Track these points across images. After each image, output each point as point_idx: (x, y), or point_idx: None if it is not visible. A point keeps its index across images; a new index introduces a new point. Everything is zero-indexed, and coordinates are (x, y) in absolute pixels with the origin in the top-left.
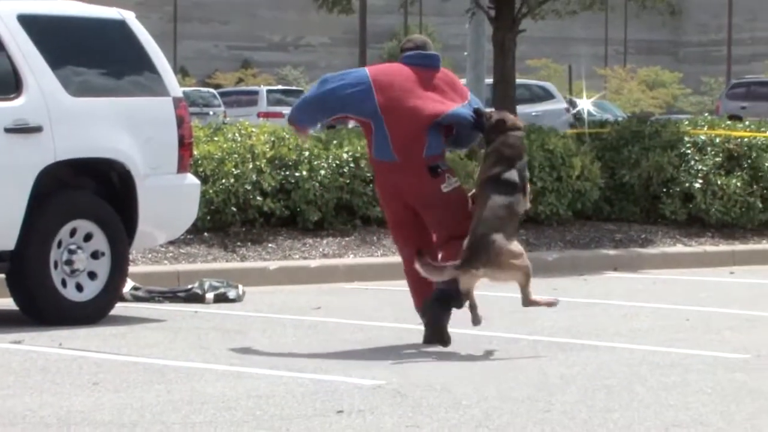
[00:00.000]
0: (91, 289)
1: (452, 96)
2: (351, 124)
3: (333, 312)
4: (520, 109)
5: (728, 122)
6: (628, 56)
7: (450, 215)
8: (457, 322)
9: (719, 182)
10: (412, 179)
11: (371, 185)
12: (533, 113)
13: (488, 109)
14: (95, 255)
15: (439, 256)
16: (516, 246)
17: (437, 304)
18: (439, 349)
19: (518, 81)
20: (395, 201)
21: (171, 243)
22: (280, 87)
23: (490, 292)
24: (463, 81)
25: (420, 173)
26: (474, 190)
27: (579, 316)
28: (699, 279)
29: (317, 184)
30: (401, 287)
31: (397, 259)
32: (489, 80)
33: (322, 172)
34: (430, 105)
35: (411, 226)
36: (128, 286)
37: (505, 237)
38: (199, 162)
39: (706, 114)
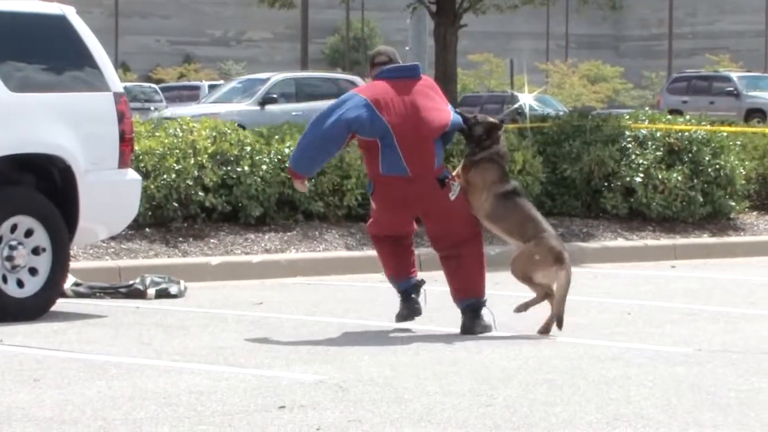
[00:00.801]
0: (32, 285)
1: (439, 101)
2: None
3: (275, 307)
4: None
5: (669, 116)
6: (570, 51)
7: (456, 221)
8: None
9: (660, 176)
10: (425, 191)
11: (313, 180)
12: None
13: (468, 113)
14: (36, 251)
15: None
16: None
17: (470, 315)
18: (382, 342)
19: (324, 75)
20: (400, 210)
21: (112, 239)
22: (222, 82)
23: (433, 286)
24: None
25: (433, 185)
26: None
27: None
28: (640, 273)
29: (259, 179)
30: (344, 282)
31: (339, 253)
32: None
33: (264, 167)
34: (434, 116)
35: (405, 222)
36: (69, 282)
37: None
38: (141, 157)
39: (647, 108)
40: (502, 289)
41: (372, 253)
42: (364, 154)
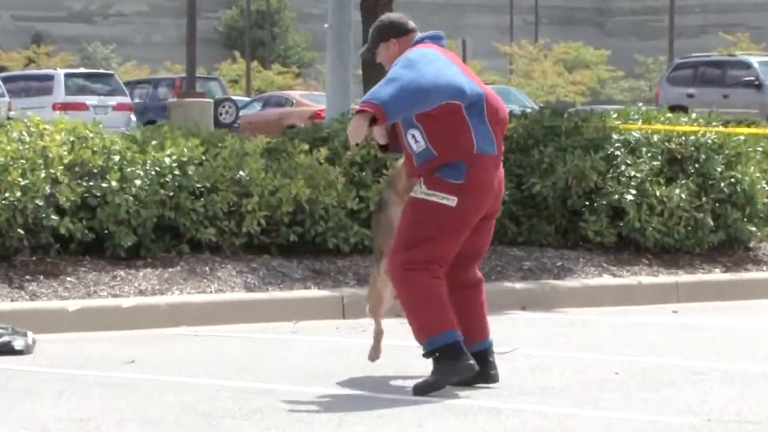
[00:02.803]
0: None
1: None
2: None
3: (151, 367)
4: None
5: (670, 114)
6: (541, 28)
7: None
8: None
9: (658, 193)
10: (501, 182)
11: (201, 198)
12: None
13: None
14: None
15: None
16: None
17: (490, 359)
18: (296, 416)
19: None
20: (484, 208)
21: None
22: (83, 70)
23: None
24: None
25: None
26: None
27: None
28: (632, 320)
29: (131, 199)
30: (242, 333)
31: (236, 295)
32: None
33: (138, 182)
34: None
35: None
36: None
37: None
38: None
39: (641, 104)
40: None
41: (281, 294)
42: (438, 129)
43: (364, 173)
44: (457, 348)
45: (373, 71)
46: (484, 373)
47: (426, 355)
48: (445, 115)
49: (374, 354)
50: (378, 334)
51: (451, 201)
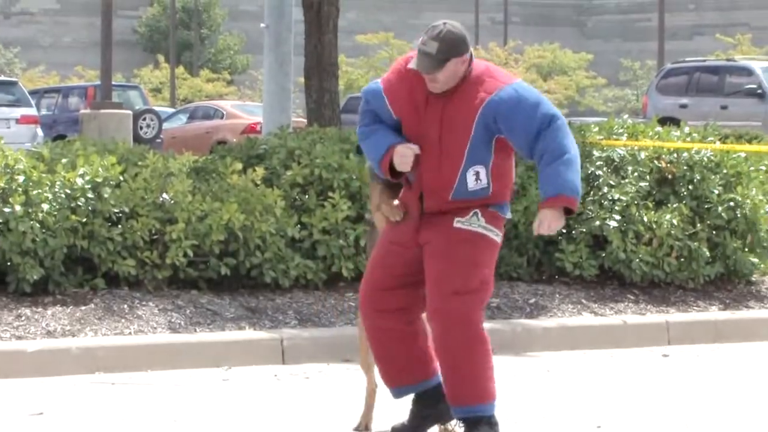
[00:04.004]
0: None
1: None
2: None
3: (62, 420)
4: None
5: (660, 128)
6: (511, 28)
7: None
8: None
9: (646, 219)
10: None
11: (119, 225)
12: None
13: None
14: None
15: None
16: None
17: None
18: None
19: None
20: None
21: None
22: None
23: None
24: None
25: None
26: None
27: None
28: (616, 365)
29: (37, 225)
30: (166, 382)
31: (159, 338)
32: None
33: (45, 206)
34: None
35: None
36: None
37: None
38: None
39: (627, 116)
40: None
41: (211, 336)
42: (499, 165)
43: (306, 196)
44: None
45: (316, 79)
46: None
47: (470, 422)
48: (503, 150)
49: (365, 420)
50: (371, 393)
51: (500, 238)
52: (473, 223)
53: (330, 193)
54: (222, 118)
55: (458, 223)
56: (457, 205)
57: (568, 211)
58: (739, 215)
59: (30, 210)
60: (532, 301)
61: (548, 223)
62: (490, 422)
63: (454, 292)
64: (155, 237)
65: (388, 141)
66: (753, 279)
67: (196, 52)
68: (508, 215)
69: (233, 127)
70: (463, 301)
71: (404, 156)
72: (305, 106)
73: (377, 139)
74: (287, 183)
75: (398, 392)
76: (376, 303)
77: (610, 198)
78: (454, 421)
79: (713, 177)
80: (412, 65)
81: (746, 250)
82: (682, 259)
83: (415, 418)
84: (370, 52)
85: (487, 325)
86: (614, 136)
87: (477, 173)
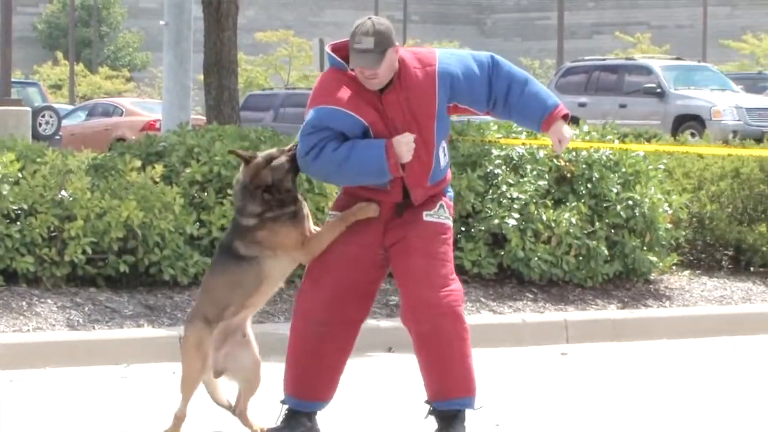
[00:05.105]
0: None
1: None
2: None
3: None
4: None
5: None
6: (410, 27)
7: None
8: None
9: (545, 217)
10: None
11: (17, 222)
12: None
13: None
14: None
15: None
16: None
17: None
18: None
19: None
20: None
21: None
22: None
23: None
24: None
25: None
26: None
27: None
28: (515, 363)
29: None
30: (64, 379)
31: (58, 335)
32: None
33: None
34: None
35: None
36: None
37: None
38: None
39: None
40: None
41: (109, 333)
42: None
43: (206, 194)
44: None
45: (215, 76)
46: None
47: (448, 415)
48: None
49: None
50: (179, 421)
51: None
52: (441, 215)
53: (229, 191)
54: (121, 115)
55: (428, 216)
56: (432, 192)
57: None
58: (637, 214)
59: None
60: None
61: (564, 134)
62: (464, 416)
63: (442, 286)
64: (54, 234)
65: (377, 143)
66: (651, 278)
67: (96, 49)
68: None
69: (132, 125)
70: (451, 294)
71: (407, 143)
72: (204, 103)
73: (363, 149)
74: (186, 180)
75: (303, 405)
76: (324, 313)
77: (509, 196)
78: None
79: (612, 176)
80: (353, 65)
81: (645, 248)
82: (581, 258)
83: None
84: (269, 50)
85: (385, 323)
86: (513, 135)
87: (444, 148)
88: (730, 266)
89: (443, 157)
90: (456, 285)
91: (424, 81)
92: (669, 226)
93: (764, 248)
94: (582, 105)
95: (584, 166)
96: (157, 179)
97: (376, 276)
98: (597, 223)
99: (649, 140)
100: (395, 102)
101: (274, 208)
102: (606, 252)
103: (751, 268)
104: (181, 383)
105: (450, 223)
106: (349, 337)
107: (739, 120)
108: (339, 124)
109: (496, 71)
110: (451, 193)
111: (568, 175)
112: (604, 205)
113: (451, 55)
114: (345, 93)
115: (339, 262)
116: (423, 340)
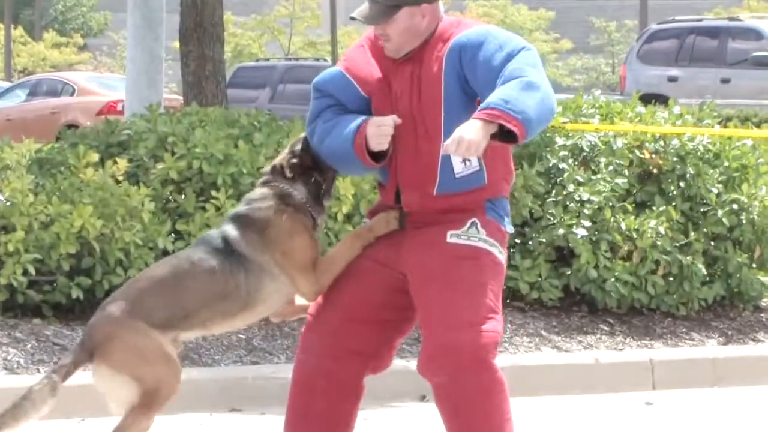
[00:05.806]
0: None
1: None
2: None
3: None
4: None
5: (642, 108)
6: None
7: None
8: None
9: (624, 226)
10: None
11: None
12: None
13: None
14: None
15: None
16: None
17: None
18: None
19: None
20: None
21: None
22: None
23: None
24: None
25: None
26: None
27: None
28: (584, 416)
29: None
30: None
31: (10, 381)
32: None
33: None
34: None
35: None
36: None
37: None
38: None
39: (599, 92)
40: None
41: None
42: (493, 146)
43: (183, 196)
44: None
45: (195, 44)
46: None
47: None
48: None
49: None
50: None
51: (504, 258)
52: (472, 236)
53: (213, 192)
54: (72, 94)
55: (453, 237)
56: (447, 205)
57: (509, 136)
58: (744, 221)
59: None
60: None
61: (464, 135)
62: None
63: (464, 324)
64: None
65: (359, 120)
66: (762, 304)
67: (39, 8)
68: (510, 229)
69: (87, 107)
70: (476, 335)
71: (380, 126)
72: (182, 78)
73: (343, 126)
74: (158, 179)
75: None
76: (318, 340)
77: (578, 199)
78: None
79: (711, 171)
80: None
81: (754, 266)
82: (672, 279)
83: None
84: (265, 8)
85: (414, 364)
86: (583, 119)
87: None
88: None
89: (462, 162)
90: (491, 324)
91: (436, 58)
92: None
93: None
94: (672, 80)
95: (675, 159)
96: (120, 177)
97: (388, 300)
98: (692, 234)
99: (759, 125)
100: (406, 77)
101: (309, 201)
102: (704, 271)
103: None
104: (151, 401)
105: (490, 248)
106: (350, 377)
107: None
108: (339, 91)
109: (511, 62)
110: (501, 210)
111: (655, 170)
112: (702, 209)
113: (491, 30)
114: (362, 56)
115: (349, 279)
116: (440, 395)
